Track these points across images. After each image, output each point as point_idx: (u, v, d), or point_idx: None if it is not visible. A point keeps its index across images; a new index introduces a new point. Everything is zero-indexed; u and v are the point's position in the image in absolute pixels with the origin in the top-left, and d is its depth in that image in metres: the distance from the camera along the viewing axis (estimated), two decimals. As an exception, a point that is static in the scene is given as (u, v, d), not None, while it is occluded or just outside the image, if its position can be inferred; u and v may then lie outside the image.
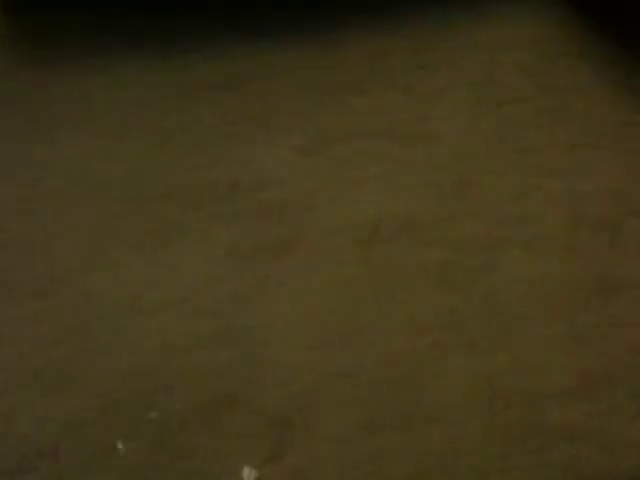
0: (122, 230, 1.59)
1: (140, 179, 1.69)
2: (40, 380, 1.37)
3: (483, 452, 1.22)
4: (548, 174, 1.55)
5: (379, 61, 1.74)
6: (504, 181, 1.56)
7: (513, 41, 1.72)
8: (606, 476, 1.20)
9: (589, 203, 1.50)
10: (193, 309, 1.45)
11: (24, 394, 1.34)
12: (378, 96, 1.67)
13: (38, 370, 1.37)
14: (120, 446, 1.25)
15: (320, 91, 1.73)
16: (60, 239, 1.57)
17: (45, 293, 1.48)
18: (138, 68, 1.94)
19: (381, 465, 1.22)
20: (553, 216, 1.49)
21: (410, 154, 1.57)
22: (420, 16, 1.76)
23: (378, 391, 1.34)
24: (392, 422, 1.28)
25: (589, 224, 1.47)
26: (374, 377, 1.34)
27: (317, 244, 1.50)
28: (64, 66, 1.97)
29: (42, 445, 1.25)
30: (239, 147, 1.69)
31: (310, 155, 1.60)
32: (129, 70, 1.95)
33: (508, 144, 1.60)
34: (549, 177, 1.55)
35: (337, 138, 1.62)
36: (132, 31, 2.03)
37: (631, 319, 1.35)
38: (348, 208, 1.52)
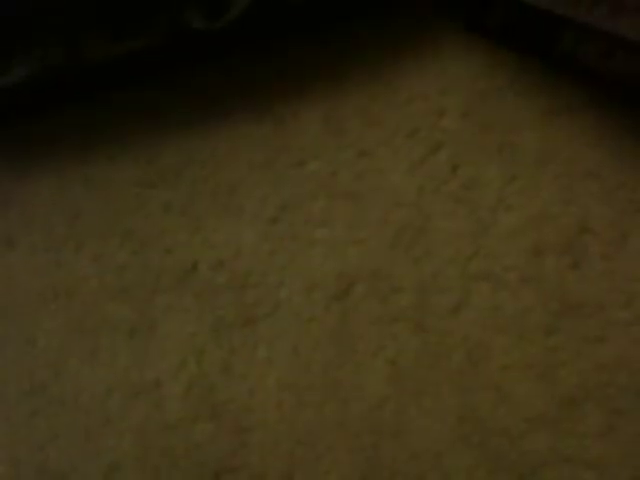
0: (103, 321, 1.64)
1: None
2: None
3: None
4: (498, 207, 1.60)
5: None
6: (456, 220, 1.61)
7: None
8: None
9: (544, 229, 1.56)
10: (168, 393, 1.50)
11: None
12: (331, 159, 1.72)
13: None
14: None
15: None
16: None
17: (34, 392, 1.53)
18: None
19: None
20: (511, 247, 1.55)
21: (363, 209, 1.63)
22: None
23: (366, 439, 1.39)
24: (382, 464, 1.36)
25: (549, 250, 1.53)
26: (360, 427, 1.40)
27: (291, 307, 1.56)
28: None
29: None
30: (194, 230, 1.67)
31: (272, 223, 1.65)
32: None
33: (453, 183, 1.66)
34: (500, 210, 1.60)
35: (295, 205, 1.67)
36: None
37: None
38: (317, 268, 1.57)
